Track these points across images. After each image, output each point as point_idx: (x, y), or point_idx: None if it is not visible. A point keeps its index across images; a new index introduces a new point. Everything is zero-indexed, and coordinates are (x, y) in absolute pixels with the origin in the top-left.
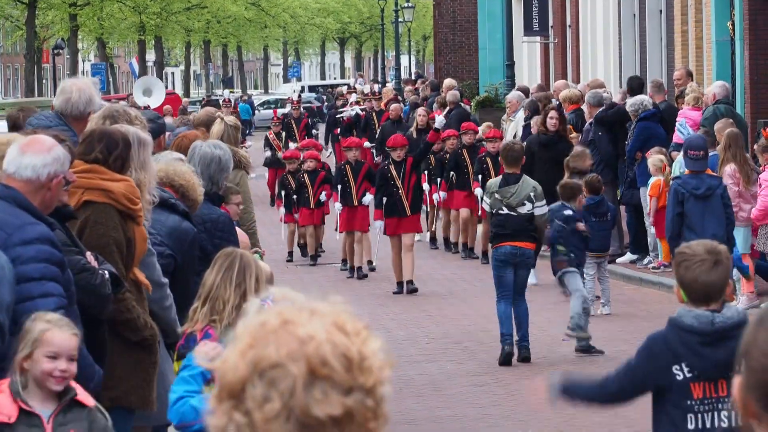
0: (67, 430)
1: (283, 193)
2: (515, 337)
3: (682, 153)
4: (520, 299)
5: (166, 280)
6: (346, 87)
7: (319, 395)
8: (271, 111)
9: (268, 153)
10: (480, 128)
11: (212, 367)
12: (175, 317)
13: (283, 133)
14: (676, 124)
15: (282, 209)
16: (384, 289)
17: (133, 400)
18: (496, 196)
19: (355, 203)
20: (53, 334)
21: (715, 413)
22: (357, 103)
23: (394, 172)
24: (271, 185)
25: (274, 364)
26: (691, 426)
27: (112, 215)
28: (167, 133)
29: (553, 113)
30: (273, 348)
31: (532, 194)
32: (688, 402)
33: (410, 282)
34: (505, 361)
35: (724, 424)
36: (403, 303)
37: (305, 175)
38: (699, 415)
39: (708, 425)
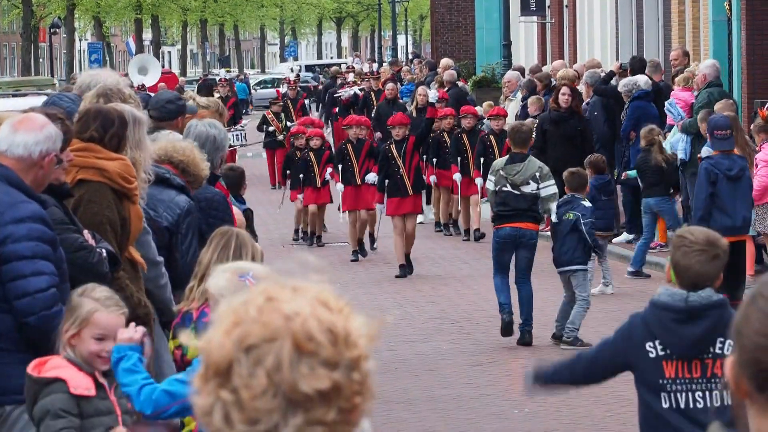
0: (125, 401)
1: (287, 171)
2: (516, 317)
3: (708, 134)
4: (523, 281)
5: (161, 259)
6: (345, 66)
7: (305, 370)
8: (266, 90)
9: (265, 132)
10: (482, 107)
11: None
12: (170, 296)
13: (282, 114)
14: (665, 104)
15: (287, 189)
16: (382, 271)
17: None
18: (501, 173)
19: (359, 182)
20: (101, 316)
21: (689, 394)
22: (355, 83)
23: (395, 152)
24: (271, 166)
25: (259, 341)
26: (665, 405)
27: (107, 194)
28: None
29: (565, 89)
30: (258, 325)
31: (537, 174)
32: (661, 381)
33: (408, 259)
34: (506, 330)
35: (700, 405)
36: (399, 283)
37: (311, 153)
38: (672, 395)
39: (682, 405)
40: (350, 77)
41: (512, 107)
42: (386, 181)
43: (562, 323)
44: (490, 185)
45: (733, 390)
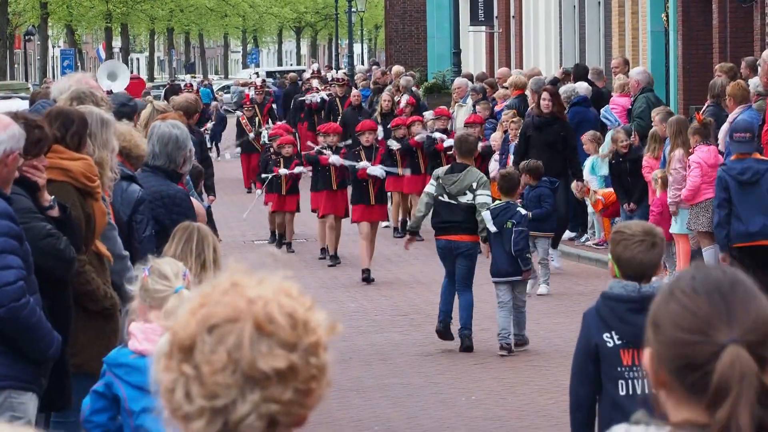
0: None
1: (262, 174)
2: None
3: (727, 137)
4: (463, 289)
5: (126, 253)
6: (308, 72)
7: (264, 349)
8: (229, 95)
9: (237, 149)
10: (427, 114)
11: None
12: None
13: (257, 118)
14: (601, 112)
15: (262, 194)
16: (339, 267)
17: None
18: (440, 181)
19: (334, 187)
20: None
21: (645, 380)
22: (318, 89)
23: (363, 158)
24: (246, 170)
25: (222, 320)
26: (622, 392)
27: (71, 193)
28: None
29: (545, 95)
30: (222, 306)
31: (474, 184)
32: (618, 369)
33: (367, 270)
34: (443, 335)
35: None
36: (354, 277)
37: (281, 160)
38: (629, 382)
39: (638, 391)
40: (315, 83)
41: (462, 112)
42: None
43: (520, 331)
44: (430, 189)
45: (652, 380)
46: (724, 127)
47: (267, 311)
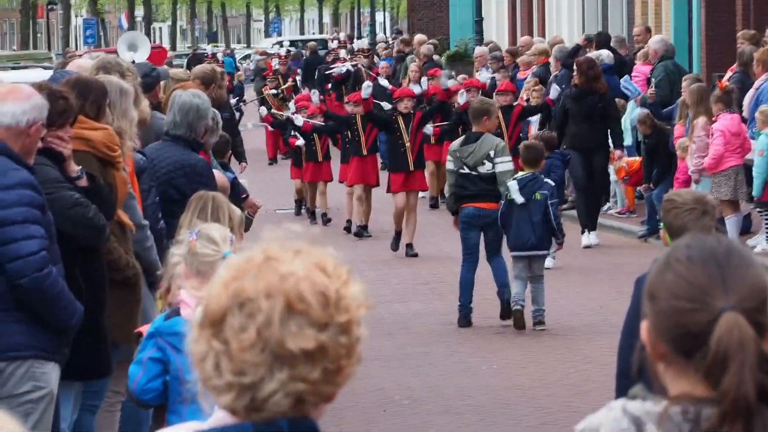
0: None
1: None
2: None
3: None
4: (495, 257)
5: (146, 222)
6: (336, 41)
7: (294, 329)
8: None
9: (263, 110)
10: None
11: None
12: (156, 257)
13: (281, 88)
14: (621, 82)
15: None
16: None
17: (117, 335)
18: (457, 155)
19: (365, 153)
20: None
21: None
22: (347, 59)
23: (402, 125)
24: (270, 144)
25: (253, 296)
26: None
27: (92, 162)
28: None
29: (575, 66)
30: (254, 281)
31: (491, 152)
32: None
33: (410, 246)
34: (464, 324)
35: None
36: (375, 246)
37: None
38: None
39: None
40: (342, 53)
41: (481, 80)
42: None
43: (540, 306)
44: (450, 165)
45: (650, 353)
46: (750, 93)
47: (298, 289)
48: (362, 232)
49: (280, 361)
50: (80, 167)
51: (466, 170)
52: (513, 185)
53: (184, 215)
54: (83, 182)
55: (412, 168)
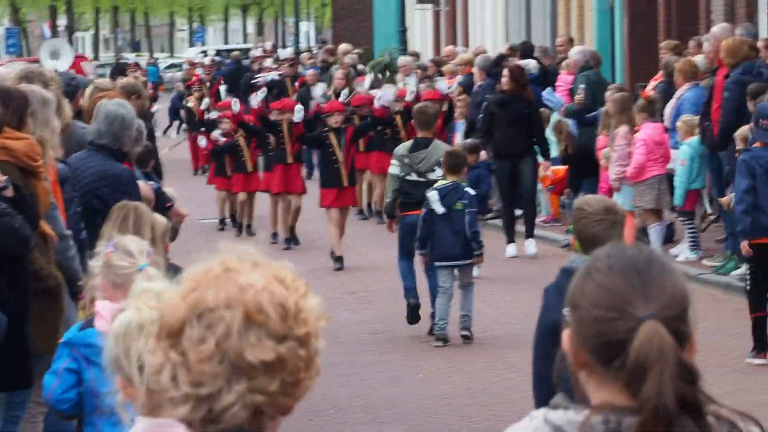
0: None
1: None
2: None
3: (752, 124)
4: (433, 270)
5: (69, 232)
6: (261, 50)
7: (253, 340)
8: (175, 73)
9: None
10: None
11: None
12: (78, 267)
13: (204, 99)
14: (543, 95)
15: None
16: (294, 255)
17: (40, 346)
18: (406, 161)
19: (289, 160)
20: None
21: None
22: (274, 68)
23: (333, 141)
24: (193, 151)
25: (212, 307)
26: None
27: (14, 172)
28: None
29: (505, 71)
30: (213, 292)
31: (442, 159)
32: None
33: (339, 258)
34: (413, 317)
35: None
36: (302, 256)
37: (240, 139)
38: None
39: None
40: (268, 62)
41: (409, 89)
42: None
43: (468, 312)
44: (394, 170)
45: (572, 362)
46: (671, 103)
47: (257, 300)
48: (288, 243)
49: (238, 373)
50: (6, 177)
51: (414, 177)
52: (433, 195)
53: (105, 226)
54: (9, 192)
55: (345, 184)
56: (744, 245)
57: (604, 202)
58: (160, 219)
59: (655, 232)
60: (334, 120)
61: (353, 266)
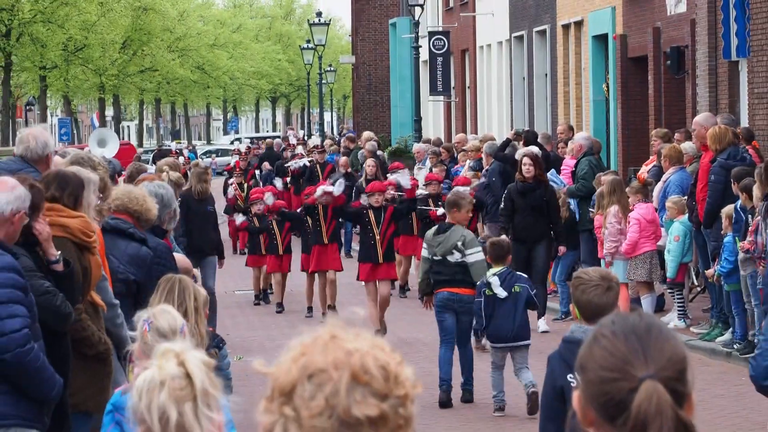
0: None
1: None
2: (459, 379)
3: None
4: (465, 344)
5: (117, 302)
6: (295, 138)
7: (359, 398)
8: (210, 158)
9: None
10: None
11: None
12: (126, 333)
13: (245, 184)
14: (548, 176)
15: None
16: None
17: (91, 406)
18: (431, 243)
19: (325, 241)
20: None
21: None
22: (305, 155)
23: (372, 218)
24: (233, 234)
25: (322, 368)
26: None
27: (69, 247)
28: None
29: (526, 159)
30: (322, 356)
31: (459, 243)
32: None
33: (380, 320)
34: (444, 404)
35: None
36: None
37: (273, 222)
38: None
39: None
40: (300, 149)
41: (422, 174)
42: (359, 244)
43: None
44: (424, 252)
45: (580, 419)
46: (658, 185)
47: (363, 363)
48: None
49: (345, 427)
50: (59, 252)
51: (439, 257)
52: (495, 281)
53: (153, 296)
54: (59, 266)
55: (381, 261)
56: None
57: (599, 272)
58: (201, 290)
59: (646, 302)
60: (375, 199)
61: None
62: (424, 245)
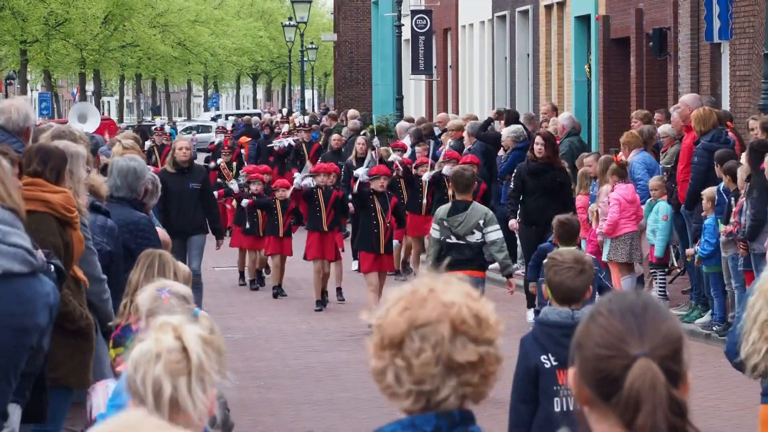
0: None
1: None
2: None
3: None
4: None
5: (104, 276)
6: (280, 115)
7: (459, 346)
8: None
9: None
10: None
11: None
12: (111, 309)
13: (234, 163)
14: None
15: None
16: (297, 296)
17: (72, 381)
18: (445, 224)
19: (325, 229)
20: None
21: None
22: (290, 133)
23: (378, 205)
24: (223, 214)
25: (426, 322)
26: (557, 409)
27: (51, 223)
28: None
29: (538, 139)
30: (424, 310)
31: (480, 222)
32: (555, 387)
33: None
34: None
35: None
36: (307, 303)
37: (277, 202)
38: (563, 399)
39: (571, 408)
40: (285, 128)
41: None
42: (359, 231)
43: None
44: (435, 234)
45: (576, 397)
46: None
47: (460, 314)
48: (319, 305)
49: (450, 371)
50: (48, 251)
51: (454, 239)
52: None
53: (133, 271)
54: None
55: (382, 251)
56: None
57: (573, 254)
58: (182, 266)
59: (626, 282)
60: (380, 183)
61: (351, 310)
62: (435, 226)
